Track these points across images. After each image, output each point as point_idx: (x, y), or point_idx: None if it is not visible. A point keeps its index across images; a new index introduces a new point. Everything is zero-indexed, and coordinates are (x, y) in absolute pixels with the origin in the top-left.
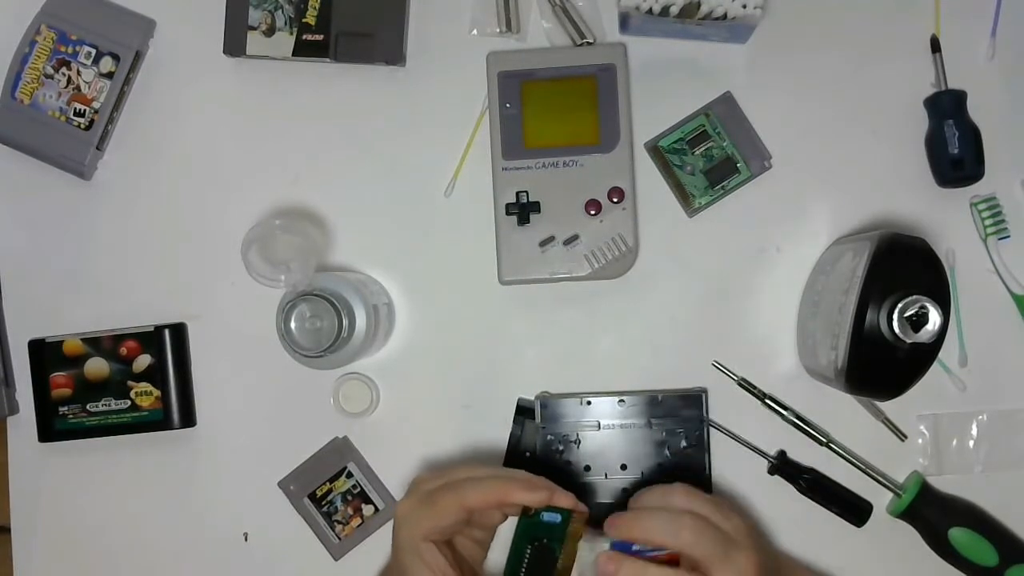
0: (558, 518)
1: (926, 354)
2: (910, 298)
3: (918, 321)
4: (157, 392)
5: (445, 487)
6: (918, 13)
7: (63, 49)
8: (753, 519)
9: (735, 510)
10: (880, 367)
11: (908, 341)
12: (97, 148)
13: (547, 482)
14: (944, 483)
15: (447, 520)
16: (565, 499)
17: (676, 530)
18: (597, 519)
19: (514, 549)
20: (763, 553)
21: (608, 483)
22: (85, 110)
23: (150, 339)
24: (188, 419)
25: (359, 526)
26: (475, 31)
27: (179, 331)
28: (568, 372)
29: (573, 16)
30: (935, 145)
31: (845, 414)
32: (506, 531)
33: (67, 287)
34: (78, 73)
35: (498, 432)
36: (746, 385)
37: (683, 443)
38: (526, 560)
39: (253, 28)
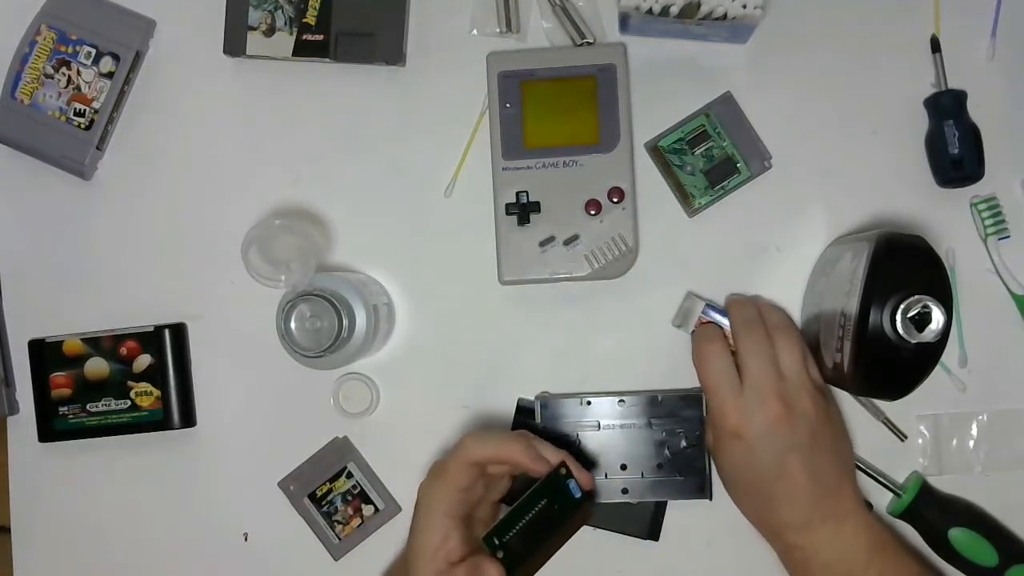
0: (579, 494)
1: (931, 353)
2: (912, 298)
3: (921, 321)
4: (157, 392)
5: (450, 452)
6: (918, 13)
7: (63, 49)
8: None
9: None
10: (886, 368)
11: (912, 341)
12: (97, 148)
13: (557, 454)
14: (944, 483)
15: (461, 481)
16: (585, 476)
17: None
18: (597, 520)
19: (531, 495)
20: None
21: (608, 483)
22: (85, 110)
23: (150, 339)
24: (188, 419)
25: (359, 526)
26: (475, 31)
27: (179, 331)
28: (568, 372)
29: (573, 16)
30: (935, 145)
31: (845, 414)
32: None
33: (67, 287)
34: (78, 73)
35: None
36: None
37: (683, 443)
38: (534, 511)
39: (253, 28)
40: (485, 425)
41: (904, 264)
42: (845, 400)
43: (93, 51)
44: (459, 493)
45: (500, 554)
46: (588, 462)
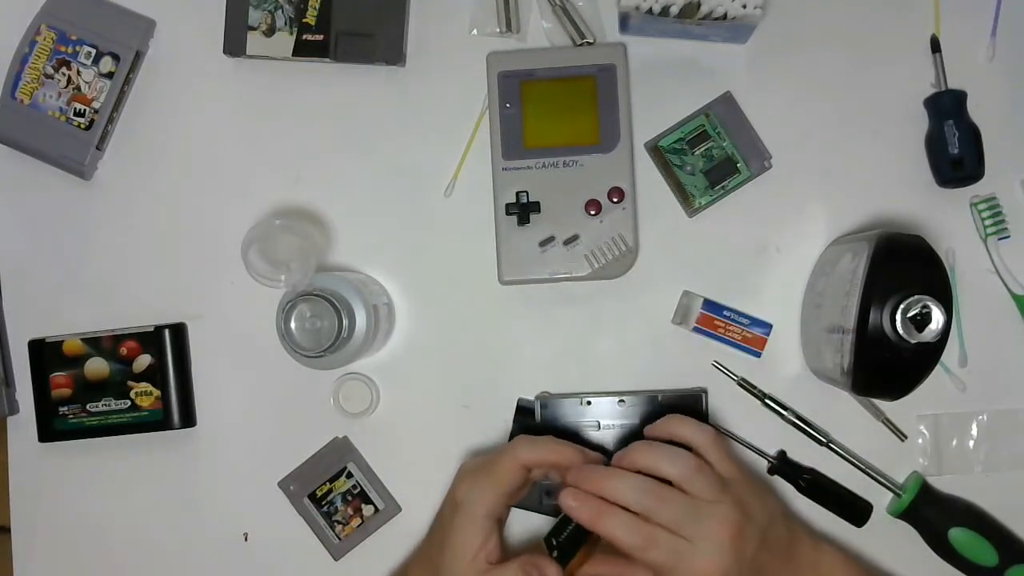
0: None
1: (931, 353)
2: (912, 298)
3: (921, 321)
4: (157, 392)
5: (498, 454)
6: (918, 13)
7: (63, 49)
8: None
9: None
10: (886, 368)
11: (912, 341)
12: (97, 148)
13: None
14: (944, 483)
15: (510, 483)
16: None
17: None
18: None
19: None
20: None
21: None
22: (85, 110)
23: (150, 339)
24: (188, 419)
25: (359, 526)
26: (475, 31)
27: (179, 331)
28: (568, 372)
29: (573, 16)
30: (935, 145)
31: (845, 414)
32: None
33: (67, 287)
34: (78, 73)
35: (498, 432)
36: (746, 385)
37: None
38: (570, 529)
39: (253, 28)
40: (488, 425)
41: (904, 264)
42: (845, 400)
43: (93, 51)
44: (504, 495)
45: (555, 553)
46: None
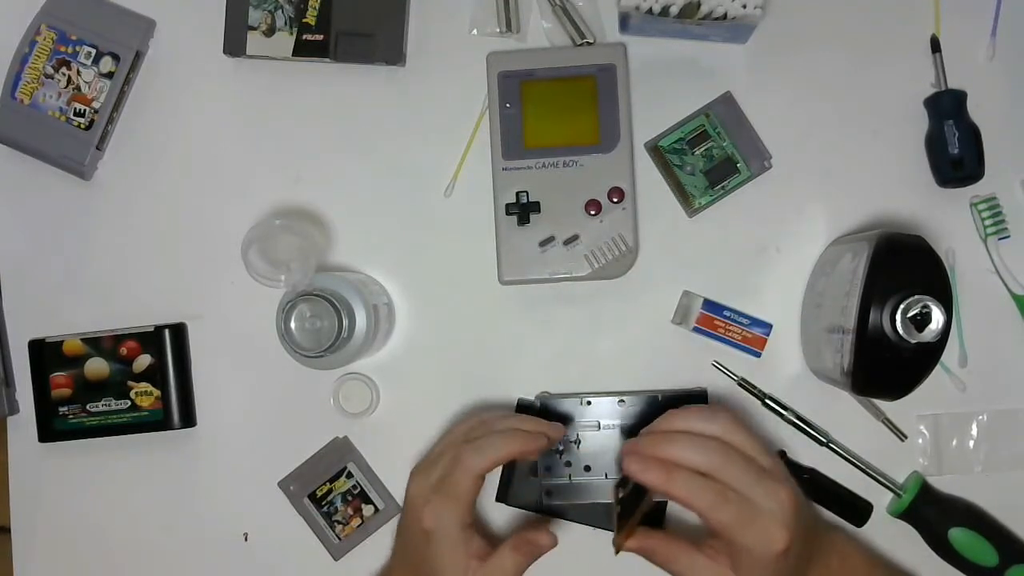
0: None
1: (931, 353)
2: (912, 298)
3: (921, 321)
4: (157, 392)
5: (450, 471)
6: (918, 13)
7: (63, 49)
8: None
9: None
10: (886, 368)
11: (912, 341)
12: (97, 148)
13: (545, 427)
14: (944, 483)
15: (473, 494)
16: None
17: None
18: (597, 520)
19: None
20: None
21: (608, 483)
22: (85, 110)
23: (150, 339)
24: (188, 419)
25: (359, 526)
26: (475, 31)
27: (179, 331)
28: (568, 372)
29: (573, 16)
30: (935, 145)
31: (845, 414)
32: None
33: (67, 287)
34: (78, 73)
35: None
36: (746, 385)
37: None
38: (631, 487)
39: (253, 28)
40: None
41: (904, 264)
42: (845, 400)
43: (93, 51)
44: (470, 505)
45: (618, 508)
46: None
